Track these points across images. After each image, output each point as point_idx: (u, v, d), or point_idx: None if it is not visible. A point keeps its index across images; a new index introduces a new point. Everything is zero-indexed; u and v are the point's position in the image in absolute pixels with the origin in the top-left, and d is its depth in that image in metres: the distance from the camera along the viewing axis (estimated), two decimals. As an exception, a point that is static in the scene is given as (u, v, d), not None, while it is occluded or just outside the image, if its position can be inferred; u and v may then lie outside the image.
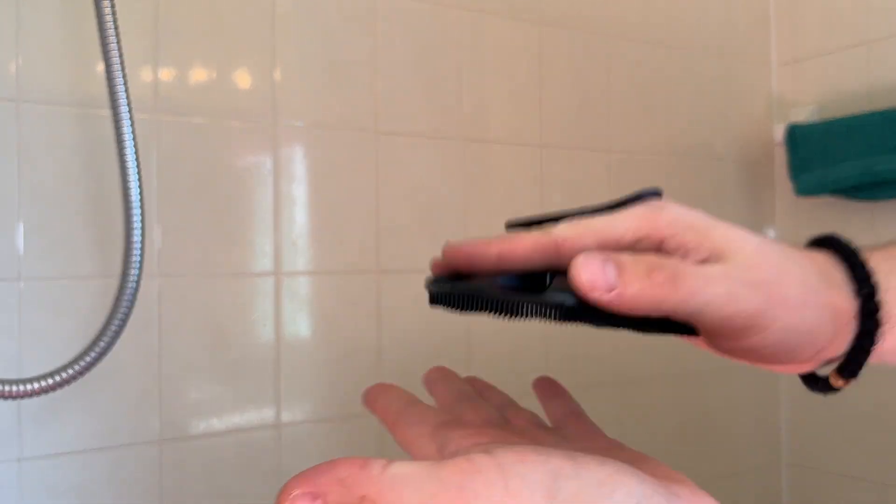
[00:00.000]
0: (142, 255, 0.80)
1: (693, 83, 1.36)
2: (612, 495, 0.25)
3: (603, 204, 0.36)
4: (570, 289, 0.30)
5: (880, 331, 0.34)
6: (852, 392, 0.43)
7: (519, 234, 0.34)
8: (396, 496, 0.25)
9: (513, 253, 0.34)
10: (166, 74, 0.92)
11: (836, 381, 0.36)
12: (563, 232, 0.33)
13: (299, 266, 0.99)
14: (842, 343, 0.35)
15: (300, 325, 1.00)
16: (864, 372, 0.36)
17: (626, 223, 0.33)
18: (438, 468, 0.25)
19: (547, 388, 0.41)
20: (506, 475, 0.25)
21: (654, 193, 0.35)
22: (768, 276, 0.32)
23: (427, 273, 0.46)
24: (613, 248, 0.32)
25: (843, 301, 0.34)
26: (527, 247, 0.33)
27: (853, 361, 0.35)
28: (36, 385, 0.75)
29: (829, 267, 0.35)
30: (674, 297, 0.30)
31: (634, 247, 0.33)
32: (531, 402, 0.47)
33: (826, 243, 0.36)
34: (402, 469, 0.25)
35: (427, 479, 0.25)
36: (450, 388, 0.40)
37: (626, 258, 0.31)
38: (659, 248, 0.33)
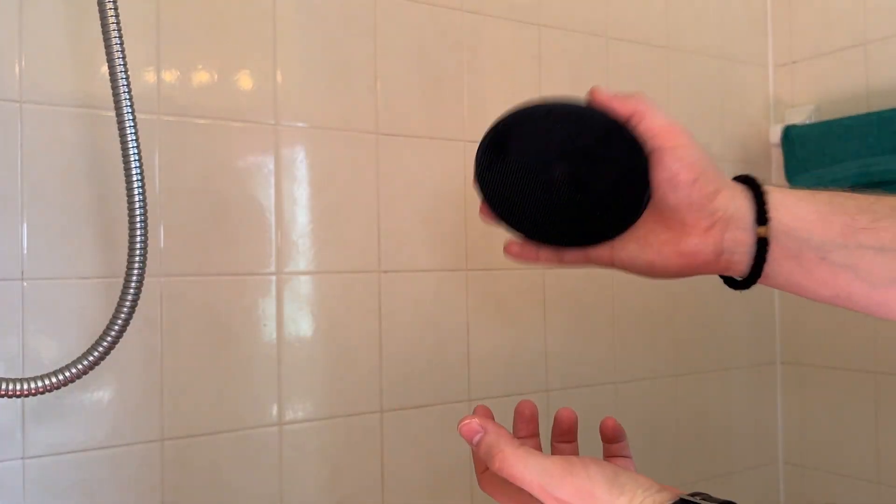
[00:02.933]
0: (144, 255, 0.80)
1: (690, 84, 1.37)
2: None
3: None
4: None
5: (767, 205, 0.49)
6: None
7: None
8: (522, 466, 0.44)
9: None
10: (169, 75, 0.92)
11: (760, 231, 0.49)
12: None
13: (300, 266, 1.00)
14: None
15: (301, 324, 1.00)
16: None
17: None
18: (550, 459, 0.45)
19: (611, 431, 0.55)
20: (588, 470, 0.44)
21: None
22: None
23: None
24: None
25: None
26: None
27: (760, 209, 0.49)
28: (39, 384, 0.76)
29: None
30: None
31: None
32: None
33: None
34: (529, 454, 0.45)
35: (541, 461, 0.44)
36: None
37: None
38: None
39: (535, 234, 0.52)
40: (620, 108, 0.49)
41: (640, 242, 0.51)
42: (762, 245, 0.48)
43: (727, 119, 1.41)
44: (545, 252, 0.54)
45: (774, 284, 0.50)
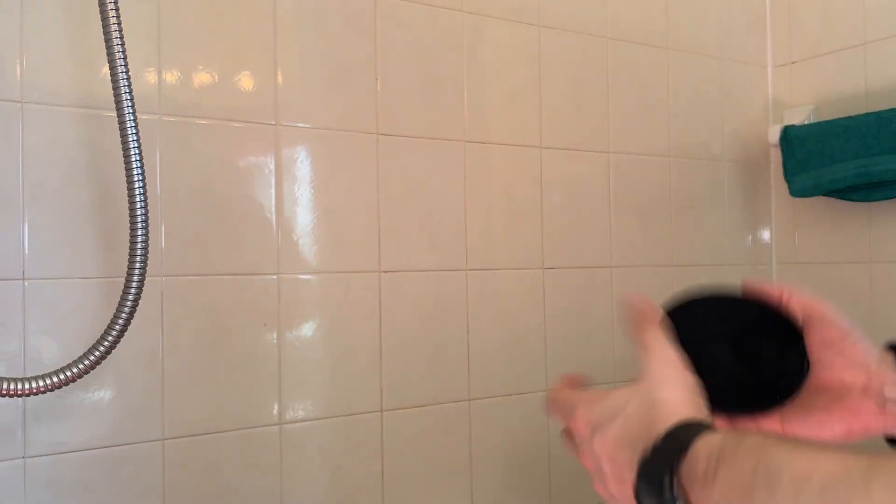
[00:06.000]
0: (145, 255, 0.81)
1: (690, 85, 1.37)
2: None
3: None
4: None
5: None
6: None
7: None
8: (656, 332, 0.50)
9: None
10: (170, 76, 0.93)
11: None
12: None
13: (301, 266, 1.00)
14: None
15: (302, 324, 1.01)
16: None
17: None
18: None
19: None
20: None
21: None
22: None
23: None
24: None
25: None
26: None
27: None
28: (40, 384, 0.76)
29: None
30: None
31: None
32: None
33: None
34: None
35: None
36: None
37: None
38: None
39: (717, 401, 0.54)
40: (771, 291, 0.56)
41: (805, 409, 0.54)
42: None
43: (726, 119, 1.41)
44: (718, 419, 0.55)
45: None
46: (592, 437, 0.48)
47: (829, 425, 0.53)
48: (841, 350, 0.53)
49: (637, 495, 0.42)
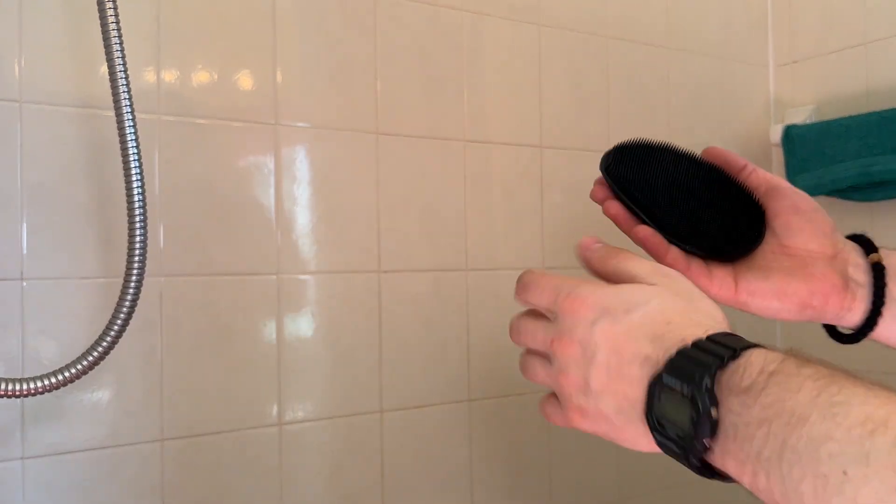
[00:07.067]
0: (144, 255, 0.80)
1: (691, 84, 1.37)
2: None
3: None
4: None
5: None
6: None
7: None
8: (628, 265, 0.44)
9: None
10: (169, 75, 0.92)
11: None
12: None
13: (300, 266, 1.00)
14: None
15: (301, 324, 1.00)
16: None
17: None
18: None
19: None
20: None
21: None
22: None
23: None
24: None
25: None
26: None
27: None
28: (39, 384, 0.76)
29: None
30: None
31: None
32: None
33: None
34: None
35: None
36: None
37: None
38: None
39: (675, 230, 0.53)
40: (735, 159, 0.55)
41: (764, 271, 0.52)
42: (878, 269, 0.51)
43: (727, 119, 1.41)
44: (673, 252, 0.53)
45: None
46: (597, 321, 0.41)
47: (790, 288, 0.52)
48: (811, 218, 0.53)
49: (651, 390, 0.37)
